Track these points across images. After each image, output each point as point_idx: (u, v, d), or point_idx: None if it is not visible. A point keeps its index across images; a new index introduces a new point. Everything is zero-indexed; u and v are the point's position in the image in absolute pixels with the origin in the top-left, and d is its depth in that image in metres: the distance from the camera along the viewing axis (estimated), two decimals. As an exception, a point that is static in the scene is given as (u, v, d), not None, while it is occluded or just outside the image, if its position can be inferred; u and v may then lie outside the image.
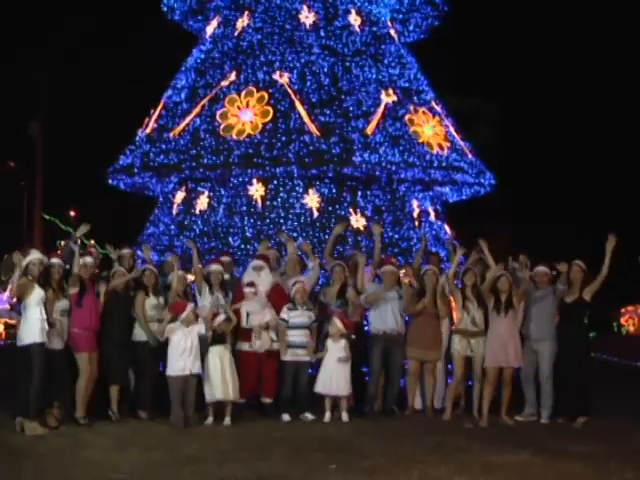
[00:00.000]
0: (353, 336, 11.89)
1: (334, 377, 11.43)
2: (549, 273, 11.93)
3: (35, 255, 10.59)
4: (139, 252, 13.56)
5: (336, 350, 11.50)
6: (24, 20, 33.33)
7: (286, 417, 11.38)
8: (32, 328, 10.33)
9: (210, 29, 16.75)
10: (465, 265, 12.10)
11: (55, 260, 10.96)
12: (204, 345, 11.19)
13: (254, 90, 15.02)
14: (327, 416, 11.42)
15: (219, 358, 11.07)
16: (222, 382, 10.97)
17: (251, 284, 11.63)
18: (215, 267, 11.99)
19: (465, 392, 12.07)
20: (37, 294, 10.38)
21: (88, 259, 11.29)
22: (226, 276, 12.17)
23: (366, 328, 12.26)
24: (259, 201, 14.94)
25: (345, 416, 11.43)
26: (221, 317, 11.27)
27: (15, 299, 10.60)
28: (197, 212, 15.38)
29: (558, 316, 11.74)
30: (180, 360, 10.97)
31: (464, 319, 11.68)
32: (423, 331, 11.88)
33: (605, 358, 20.63)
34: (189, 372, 10.98)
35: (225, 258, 12.70)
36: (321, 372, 11.52)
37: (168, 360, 11.07)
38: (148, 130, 16.08)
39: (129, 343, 11.38)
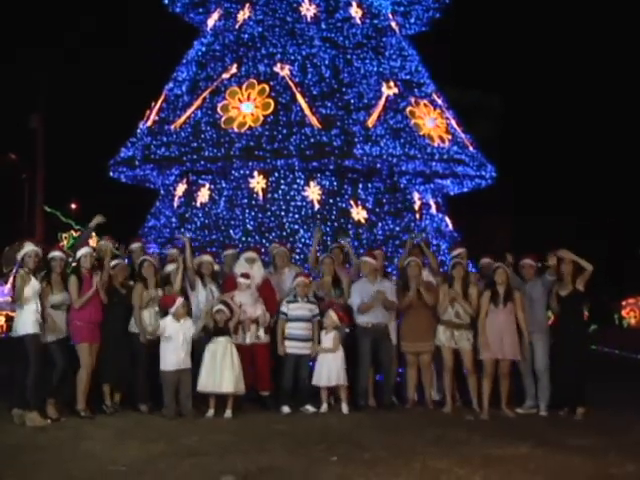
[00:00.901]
0: (347, 330, 11.84)
1: (325, 368, 11.44)
2: (534, 265, 11.97)
3: (29, 247, 10.59)
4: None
5: (326, 341, 11.51)
6: (24, 15, 33.33)
7: (286, 409, 11.38)
8: (26, 320, 10.39)
9: (211, 22, 16.74)
10: (453, 260, 12.13)
11: (56, 253, 10.96)
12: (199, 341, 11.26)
13: (255, 82, 15.01)
14: (324, 407, 11.44)
15: (212, 351, 11.07)
16: (211, 374, 10.96)
17: (246, 275, 11.59)
18: (206, 258, 12.02)
19: (461, 384, 12.05)
20: (32, 286, 10.40)
21: (86, 250, 11.25)
22: (216, 267, 12.20)
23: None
24: (260, 194, 14.93)
25: (345, 408, 11.44)
26: (216, 307, 11.29)
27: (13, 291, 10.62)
28: (198, 205, 15.38)
29: (559, 308, 11.72)
30: (173, 354, 11.01)
31: (448, 311, 11.69)
32: (415, 324, 11.86)
33: (606, 351, 20.65)
34: (182, 366, 11.00)
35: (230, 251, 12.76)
36: (318, 365, 11.54)
37: (161, 354, 11.10)
38: (149, 123, 16.07)
39: (126, 339, 11.37)
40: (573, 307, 11.64)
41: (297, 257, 13.93)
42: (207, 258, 12.04)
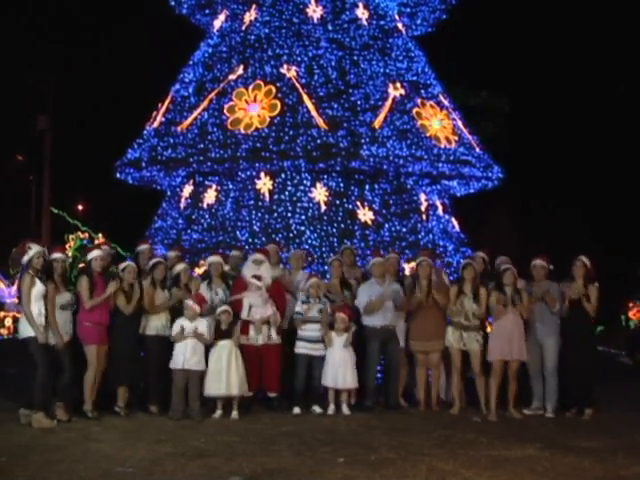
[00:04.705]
0: (354, 327, 11.80)
1: (332, 368, 11.44)
2: (546, 267, 11.89)
3: (37, 248, 10.62)
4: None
5: (340, 343, 11.50)
6: (32, 17, 33.36)
7: (297, 410, 11.38)
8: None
9: (218, 23, 16.75)
10: (465, 260, 12.12)
11: (58, 255, 10.98)
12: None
13: (262, 84, 15.01)
14: (331, 408, 11.44)
15: (217, 354, 11.10)
16: (217, 377, 10.99)
17: (258, 277, 11.59)
18: (214, 259, 12.01)
19: (468, 385, 12.03)
20: (38, 289, 10.42)
21: (98, 252, 11.28)
22: (226, 268, 12.20)
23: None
24: (267, 195, 14.94)
25: (346, 409, 11.45)
26: (221, 308, 11.33)
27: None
28: (205, 206, 15.39)
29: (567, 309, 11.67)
30: (182, 353, 11.05)
31: (457, 312, 11.67)
32: (424, 323, 11.86)
33: (613, 352, 20.60)
34: (190, 366, 11.02)
35: (237, 252, 12.77)
36: (328, 366, 11.52)
37: (173, 353, 11.17)
38: (156, 124, 16.09)
39: (139, 341, 11.40)
40: (581, 310, 11.60)
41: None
42: (214, 259, 12.03)
